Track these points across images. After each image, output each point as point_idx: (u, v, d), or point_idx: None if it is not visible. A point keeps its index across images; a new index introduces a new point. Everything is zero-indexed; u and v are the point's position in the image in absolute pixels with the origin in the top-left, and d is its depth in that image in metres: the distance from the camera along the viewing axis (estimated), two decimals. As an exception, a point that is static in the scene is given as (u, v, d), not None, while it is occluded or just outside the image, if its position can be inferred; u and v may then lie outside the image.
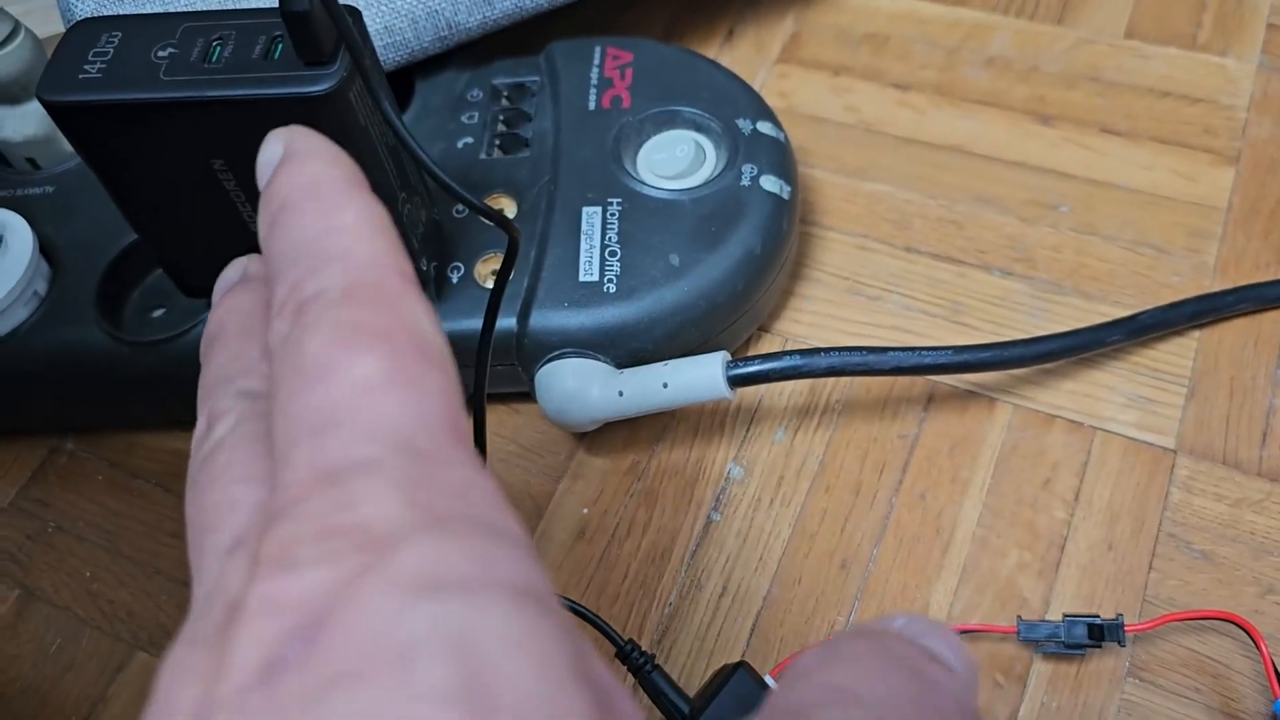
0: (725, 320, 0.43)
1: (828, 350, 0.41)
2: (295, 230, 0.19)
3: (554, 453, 0.46)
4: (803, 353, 0.41)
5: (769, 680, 0.37)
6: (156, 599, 0.43)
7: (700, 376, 0.40)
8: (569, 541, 0.44)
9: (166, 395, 0.44)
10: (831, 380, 0.46)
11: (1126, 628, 0.37)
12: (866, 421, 0.45)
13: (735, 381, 0.41)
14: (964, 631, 0.39)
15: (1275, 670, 0.36)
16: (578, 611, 0.37)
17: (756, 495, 0.44)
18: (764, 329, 0.48)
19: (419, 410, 0.18)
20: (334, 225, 0.19)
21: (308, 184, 0.19)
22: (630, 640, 0.37)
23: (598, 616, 0.37)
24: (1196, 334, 0.46)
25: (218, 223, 0.36)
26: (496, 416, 0.47)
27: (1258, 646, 0.36)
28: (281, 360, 0.18)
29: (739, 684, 0.37)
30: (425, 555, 0.15)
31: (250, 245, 0.23)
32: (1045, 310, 0.47)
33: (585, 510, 0.45)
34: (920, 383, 0.46)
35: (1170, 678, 0.39)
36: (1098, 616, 0.37)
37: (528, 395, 0.45)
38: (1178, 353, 0.45)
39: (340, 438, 0.17)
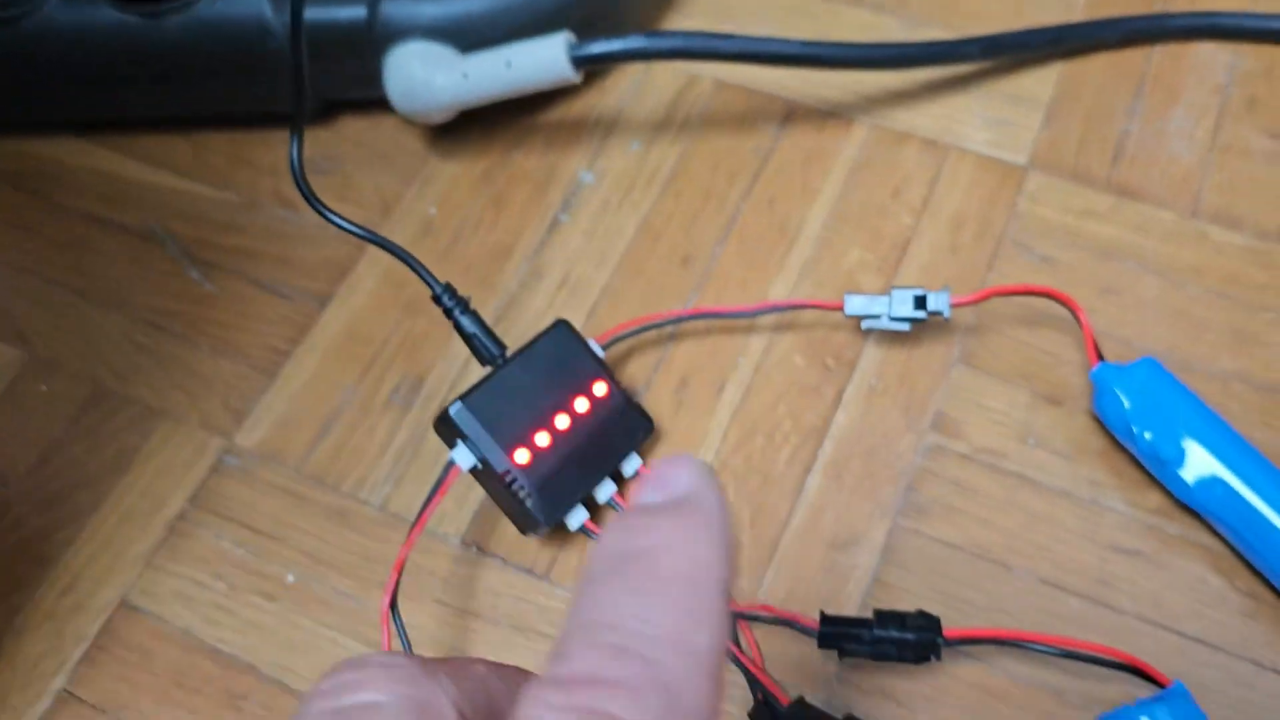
0: (578, 12, 0.42)
1: (674, 33, 0.40)
2: (642, 615, 0.16)
3: (407, 157, 0.45)
4: (648, 34, 0.40)
5: (593, 344, 0.37)
6: None
7: (543, 56, 0.40)
8: (414, 237, 0.43)
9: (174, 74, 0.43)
10: (691, 93, 0.45)
11: (953, 301, 0.37)
12: (722, 136, 0.45)
13: (579, 62, 0.40)
14: (794, 307, 0.38)
15: (1095, 342, 0.36)
16: (399, 255, 0.36)
17: (606, 199, 0.43)
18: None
19: None
20: (687, 645, 0.16)
21: (688, 570, 0.17)
22: (446, 284, 0.36)
23: (415, 259, 0.36)
24: (1059, 65, 0.45)
25: None
26: (352, 124, 0.46)
27: (1077, 318, 0.36)
28: None
29: (557, 335, 0.36)
30: None
31: None
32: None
33: (433, 210, 0.44)
34: (778, 101, 0.45)
35: (997, 364, 0.39)
36: (924, 289, 0.37)
37: (384, 105, 0.44)
38: (1039, 81, 0.45)
39: None
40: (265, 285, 0.43)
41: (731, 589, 0.17)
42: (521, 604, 0.36)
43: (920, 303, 0.36)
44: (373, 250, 0.43)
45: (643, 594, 0.16)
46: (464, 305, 0.36)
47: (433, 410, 0.39)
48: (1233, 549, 0.35)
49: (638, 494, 0.18)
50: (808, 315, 0.40)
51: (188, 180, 0.45)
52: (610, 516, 0.36)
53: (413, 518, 0.34)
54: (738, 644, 0.34)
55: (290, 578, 0.37)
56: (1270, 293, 0.39)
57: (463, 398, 0.34)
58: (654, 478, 0.18)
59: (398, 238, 0.42)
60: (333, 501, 0.38)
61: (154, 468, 0.39)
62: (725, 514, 0.18)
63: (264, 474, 0.39)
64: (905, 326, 0.37)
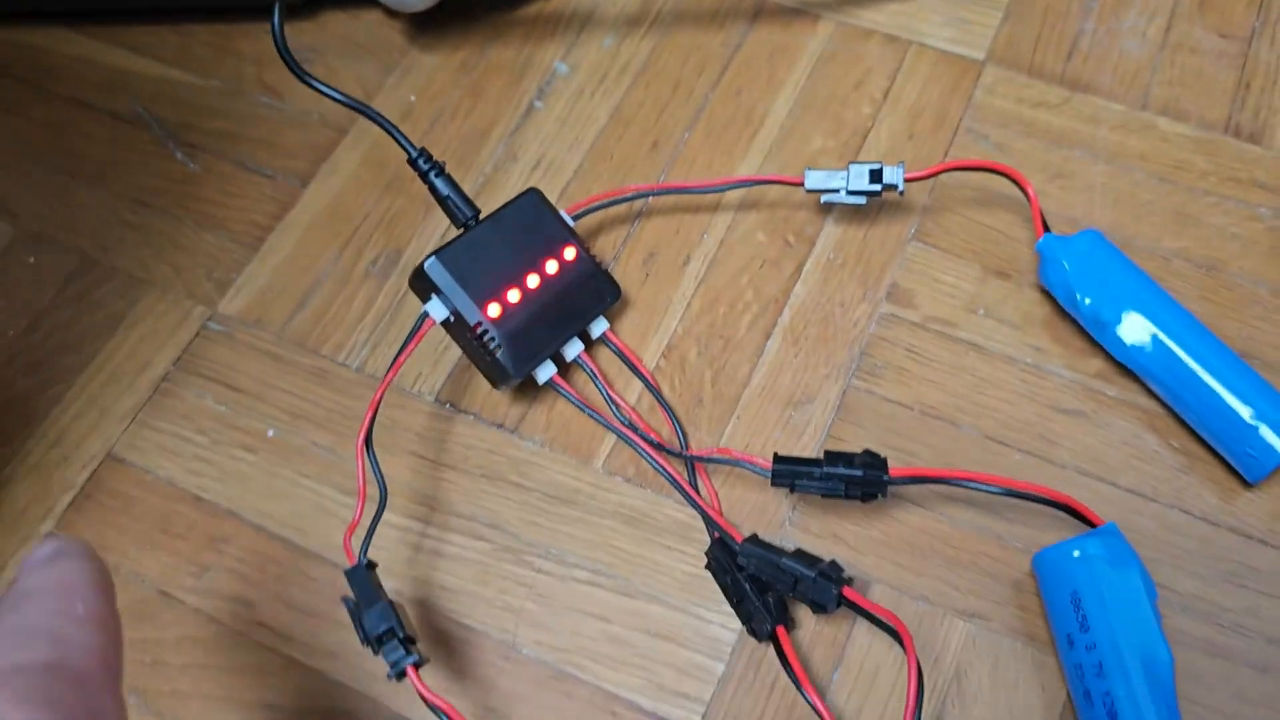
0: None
1: (646, -79, 0.41)
2: (29, 614, 0.22)
3: (387, 49, 0.47)
4: (622, -79, 0.41)
5: (563, 213, 0.38)
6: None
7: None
8: (394, 121, 0.44)
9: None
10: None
11: (906, 175, 0.38)
12: (693, 32, 0.46)
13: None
14: (758, 182, 0.40)
15: (1041, 215, 0.38)
16: (379, 121, 0.38)
17: (580, 88, 0.45)
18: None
19: None
20: (65, 612, 0.22)
21: (59, 579, 0.23)
22: (421, 148, 0.38)
23: (393, 125, 0.38)
24: (1019, -31, 0.47)
25: None
26: (334, 18, 0.48)
27: (1025, 193, 0.38)
28: None
29: (528, 201, 0.38)
30: None
31: None
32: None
33: (412, 98, 0.45)
34: (748, 0, 0.47)
35: (950, 241, 0.40)
36: (881, 164, 0.38)
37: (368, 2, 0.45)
38: (999, -17, 0.47)
39: None
40: (249, 166, 0.44)
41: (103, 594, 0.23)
42: (493, 456, 0.38)
43: (876, 176, 0.38)
44: (353, 133, 0.44)
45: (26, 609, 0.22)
46: (439, 169, 0.37)
47: (409, 276, 0.40)
48: (1169, 410, 0.37)
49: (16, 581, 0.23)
50: (770, 195, 0.41)
51: (174, 69, 0.47)
52: (578, 375, 0.38)
53: (392, 383, 0.36)
54: (696, 490, 0.35)
55: (270, 432, 0.38)
56: (1213, 179, 0.41)
57: (436, 253, 0.36)
58: (24, 564, 0.24)
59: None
60: (312, 363, 0.40)
61: (139, 333, 0.41)
62: (82, 552, 0.24)
63: (246, 338, 0.40)
64: (861, 200, 0.39)
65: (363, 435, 0.34)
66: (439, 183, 0.37)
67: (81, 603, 0.22)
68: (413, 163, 0.37)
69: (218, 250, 0.42)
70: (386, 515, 0.35)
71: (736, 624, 0.34)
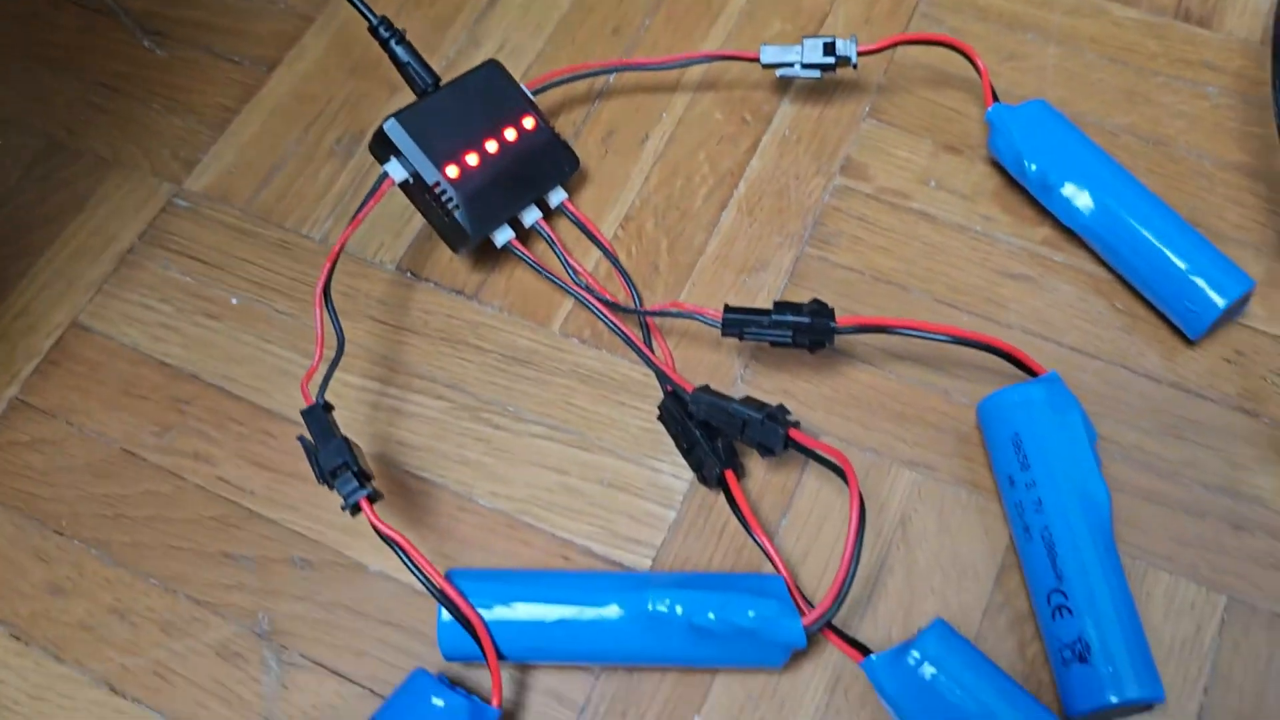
0: None
1: None
2: None
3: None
4: None
5: (523, 87, 0.39)
6: None
7: None
8: (358, 9, 0.45)
9: None
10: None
11: (859, 48, 0.39)
12: (656, -77, 0.47)
13: None
14: (714, 58, 0.40)
15: (991, 86, 0.39)
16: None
17: (543, -24, 0.45)
18: None
19: None
20: None
21: None
22: (382, 17, 0.38)
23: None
24: None
25: None
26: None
27: (975, 65, 0.39)
28: None
29: (488, 71, 0.38)
30: None
31: None
32: None
33: (377, -12, 0.46)
34: (711, -107, 0.47)
35: (904, 118, 0.41)
36: (834, 37, 0.39)
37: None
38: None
39: None
40: (216, 52, 0.45)
41: None
42: (452, 320, 0.38)
43: (829, 49, 0.39)
44: (320, 20, 0.45)
45: None
46: (399, 36, 0.38)
47: (372, 158, 0.41)
48: (1114, 274, 0.38)
49: None
50: (729, 75, 0.42)
51: (142, -40, 0.47)
52: (537, 243, 0.39)
53: (352, 251, 0.36)
54: (651, 348, 0.36)
55: (234, 300, 0.39)
56: (1161, 60, 0.42)
57: (396, 115, 0.36)
58: None
59: (339, 9, 0.44)
60: (276, 236, 0.40)
61: (106, 209, 0.41)
62: None
63: (212, 213, 0.41)
64: (816, 74, 0.39)
65: (321, 285, 0.35)
66: (399, 50, 0.38)
67: None
68: (373, 30, 0.38)
69: (185, 132, 0.43)
70: (348, 376, 0.36)
71: (688, 474, 0.35)
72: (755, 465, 0.35)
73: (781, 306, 0.34)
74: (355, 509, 0.31)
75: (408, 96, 0.41)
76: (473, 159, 0.37)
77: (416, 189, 0.37)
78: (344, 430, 0.33)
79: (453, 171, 0.36)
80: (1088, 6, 0.43)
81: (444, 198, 0.36)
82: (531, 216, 0.38)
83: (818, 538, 0.34)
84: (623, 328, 0.36)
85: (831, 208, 0.39)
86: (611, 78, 0.42)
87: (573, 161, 0.39)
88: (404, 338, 0.38)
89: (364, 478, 0.32)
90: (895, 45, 0.39)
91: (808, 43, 0.39)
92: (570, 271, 0.37)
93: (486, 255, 0.39)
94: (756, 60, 0.40)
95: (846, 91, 0.42)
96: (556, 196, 0.39)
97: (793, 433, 0.32)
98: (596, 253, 0.39)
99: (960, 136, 0.40)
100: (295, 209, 0.41)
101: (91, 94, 0.44)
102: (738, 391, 0.36)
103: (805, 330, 0.34)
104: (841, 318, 0.34)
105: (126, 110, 0.43)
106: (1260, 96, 0.41)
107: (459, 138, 0.37)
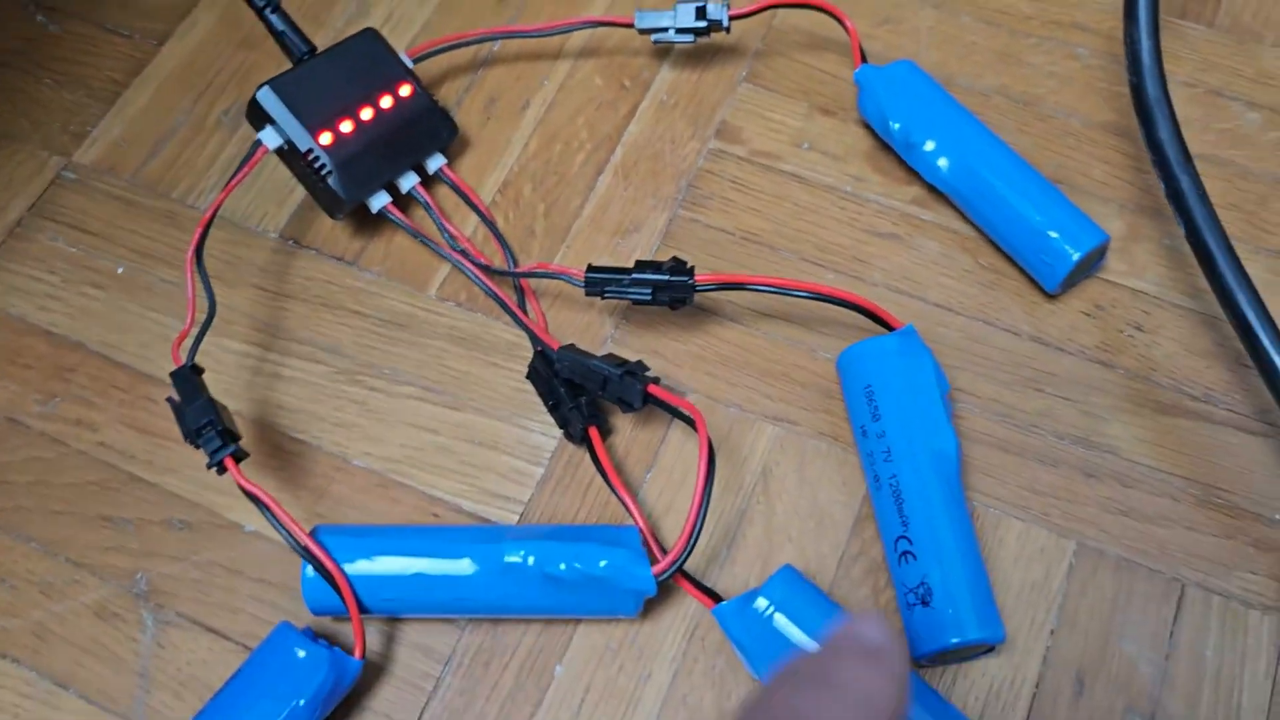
0: None
1: None
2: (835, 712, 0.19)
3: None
4: None
5: (402, 55, 0.40)
6: None
7: None
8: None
9: None
10: None
11: (730, 13, 0.40)
12: (546, -107, 0.47)
13: None
14: (590, 24, 0.41)
15: (860, 47, 0.39)
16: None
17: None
18: None
19: None
20: None
21: (868, 700, 0.20)
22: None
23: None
24: None
25: None
26: None
27: (844, 25, 0.39)
28: None
29: (365, 39, 0.39)
30: None
31: None
32: None
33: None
34: None
35: (779, 82, 0.42)
36: (706, 1, 0.40)
37: None
38: None
39: None
40: (107, 26, 0.45)
41: None
42: (331, 286, 0.39)
43: (701, 13, 0.40)
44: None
45: (827, 704, 0.19)
46: (274, 4, 0.38)
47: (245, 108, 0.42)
48: (981, 233, 0.38)
49: (836, 638, 0.21)
50: (609, 43, 0.43)
51: (36, -64, 0.47)
52: (416, 209, 0.40)
53: (236, 220, 0.37)
54: (524, 310, 0.37)
55: (120, 270, 0.40)
56: (1035, 23, 0.43)
57: (269, 82, 0.37)
58: (850, 632, 0.21)
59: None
60: (163, 206, 0.41)
61: (-4, 183, 0.42)
62: (906, 671, 0.21)
63: (99, 185, 0.42)
64: (690, 39, 0.40)
65: (192, 249, 0.35)
66: (273, 19, 0.38)
67: None
68: (248, 0, 0.38)
69: (75, 105, 0.43)
70: (229, 342, 0.37)
71: (557, 432, 0.36)
72: (623, 422, 0.36)
73: (642, 265, 0.35)
74: (221, 468, 0.32)
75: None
76: (347, 126, 0.37)
77: (291, 156, 0.37)
78: (223, 395, 0.34)
79: (326, 138, 0.37)
80: (964, -31, 0.44)
81: (317, 164, 0.37)
82: (409, 182, 0.39)
83: (680, 492, 0.35)
84: (497, 291, 0.37)
85: (705, 171, 0.40)
86: (495, 46, 0.43)
87: (451, 129, 0.39)
88: (284, 304, 0.39)
89: (230, 436, 0.32)
90: (766, 9, 0.40)
91: (680, 8, 0.40)
92: (446, 236, 0.38)
93: (367, 223, 0.39)
94: (631, 26, 0.40)
95: (725, 57, 0.42)
96: (435, 163, 0.39)
97: (651, 388, 0.33)
98: (475, 218, 0.39)
99: (834, 99, 0.41)
100: (182, 179, 0.41)
101: (-17, 69, 0.44)
102: (606, 351, 0.37)
103: (664, 288, 0.35)
104: (700, 274, 0.35)
105: (17, 84, 0.44)
106: (1129, 56, 0.41)
107: (334, 105, 0.37)
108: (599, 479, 0.35)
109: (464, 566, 0.32)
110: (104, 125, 0.43)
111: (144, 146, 0.42)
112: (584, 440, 0.35)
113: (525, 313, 0.37)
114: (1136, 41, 0.36)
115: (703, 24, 0.39)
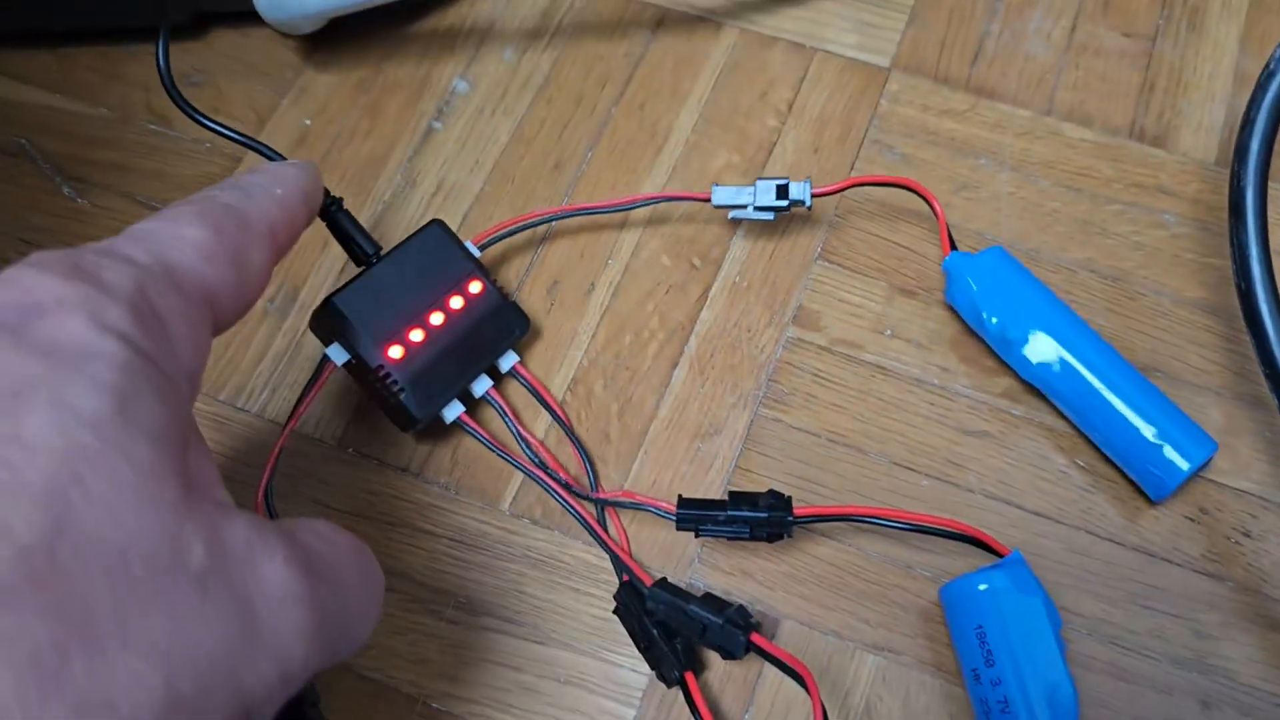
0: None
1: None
2: (238, 179, 0.28)
3: (280, 69, 0.45)
4: (512, -61, 0.40)
5: (469, 245, 0.38)
6: None
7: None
8: (289, 148, 0.43)
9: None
10: (563, 1, 0.46)
11: (814, 190, 0.38)
12: (595, 42, 0.45)
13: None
14: (664, 199, 0.39)
15: (949, 233, 0.38)
16: (271, 157, 0.37)
17: (479, 106, 0.44)
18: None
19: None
20: (264, 185, 0.29)
21: (276, 169, 0.30)
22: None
23: (282, 159, 0.37)
24: (925, -33, 0.46)
25: None
26: (223, 37, 0.46)
27: (932, 208, 0.37)
28: None
29: (431, 234, 0.37)
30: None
31: None
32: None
33: (308, 121, 0.44)
34: (650, 8, 0.46)
35: (856, 259, 0.40)
36: (787, 179, 0.38)
37: (256, 17, 0.43)
38: (904, -16, 0.46)
39: None
40: (139, 199, 0.43)
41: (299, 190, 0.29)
42: (397, 501, 0.37)
43: (783, 192, 0.38)
44: (246, 163, 0.43)
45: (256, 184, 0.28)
46: (338, 204, 0.36)
47: (309, 317, 0.39)
48: (1075, 429, 0.37)
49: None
50: (675, 214, 0.41)
51: (57, 96, 0.45)
52: (485, 411, 0.38)
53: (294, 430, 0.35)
54: (605, 530, 0.35)
55: (170, 484, 0.37)
56: (1116, 186, 0.41)
57: (335, 294, 0.35)
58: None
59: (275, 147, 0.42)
60: (211, 410, 0.39)
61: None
62: (306, 165, 0.31)
63: (142, 384, 0.39)
64: (769, 216, 0.38)
65: (261, 490, 0.33)
66: (340, 217, 0.36)
67: (280, 188, 0.28)
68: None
69: (110, 291, 0.41)
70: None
71: (646, 667, 0.34)
72: (716, 655, 0.34)
73: (737, 498, 0.34)
74: (303, 739, 0.30)
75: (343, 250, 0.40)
76: (417, 335, 0.35)
77: (359, 371, 0.35)
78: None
79: (396, 352, 0.35)
80: (1040, 128, 0.42)
81: (388, 380, 0.35)
82: (482, 387, 0.37)
83: (782, 732, 0.33)
84: (579, 509, 0.35)
85: (785, 363, 0.38)
86: (554, 221, 0.41)
87: (523, 323, 0.37)
88: (350, 523, 0.37)
89: (309, 705, 0.31)
90: (851, 187, 0.38)
91: (760, 185, 0.38)
92: (524, 445, 0.36)
93: (433, 427, 0.37)
94: (707, 201, 0.38)
95: (796, 231, 0.40)
96: (507, 361, 0.37)
97: (754, 637, 0.32)
98: (544, 418, 0.38)
99: (915, 278, 0.39)
100: (229, 379, 0.39)
101: (8, 249, 0.42)
102: (695, 573, 0.35)
103: (762, 524, 0.33)
104: (799, 508, 0.33)
105: (48, 268, 0.41)
106: (1217, 224, 0.40)
107: (402, 313, 0.35)
108: (695, 720, 0.33)
109: None
110: (143, 314, 0.40)
111: (187, 339, 0.40)
112: (680, 684, 0.33)
113: (607, 530, 0.35)
114: (1245, 245, 0.34)
115: (784, 203, 0.38)
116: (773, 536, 0.33)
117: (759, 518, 0.33)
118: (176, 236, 0.24)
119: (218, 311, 0.24)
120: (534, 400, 0.38)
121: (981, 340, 0.38)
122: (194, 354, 0.23)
